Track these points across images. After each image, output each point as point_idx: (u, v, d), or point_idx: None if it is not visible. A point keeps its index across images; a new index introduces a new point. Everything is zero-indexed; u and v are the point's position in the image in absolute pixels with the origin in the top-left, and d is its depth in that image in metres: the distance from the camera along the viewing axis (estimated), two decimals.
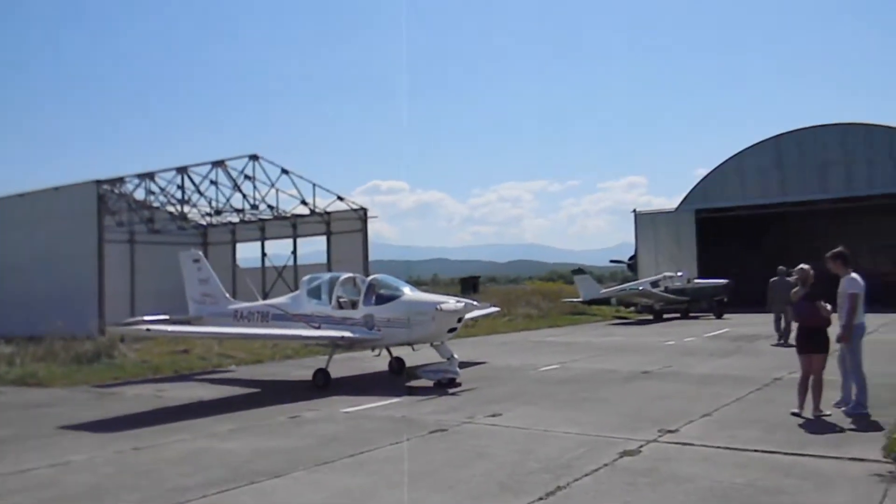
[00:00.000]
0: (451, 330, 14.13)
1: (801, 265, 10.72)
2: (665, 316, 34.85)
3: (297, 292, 16.20)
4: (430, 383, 13.84)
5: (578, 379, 14.60)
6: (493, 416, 10.63)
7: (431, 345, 14.36)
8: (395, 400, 12.34)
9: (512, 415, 10.71)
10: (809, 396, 10.17)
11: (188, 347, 20.30)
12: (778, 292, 20.59)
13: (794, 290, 10.76)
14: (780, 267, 21.59)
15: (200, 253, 18.52)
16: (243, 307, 16.79)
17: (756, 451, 8.15)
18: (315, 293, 15.40)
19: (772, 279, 21.61)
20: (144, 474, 7.79)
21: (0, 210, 30.44)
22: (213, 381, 15.91)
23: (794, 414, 10.16)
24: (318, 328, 14.93)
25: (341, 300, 15.20)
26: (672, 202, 46.12)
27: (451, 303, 13.96)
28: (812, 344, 10.19)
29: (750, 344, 21.26)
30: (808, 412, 10.05)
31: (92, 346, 18.21)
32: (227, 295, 17.87)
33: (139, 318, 22.12)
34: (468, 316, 15.04)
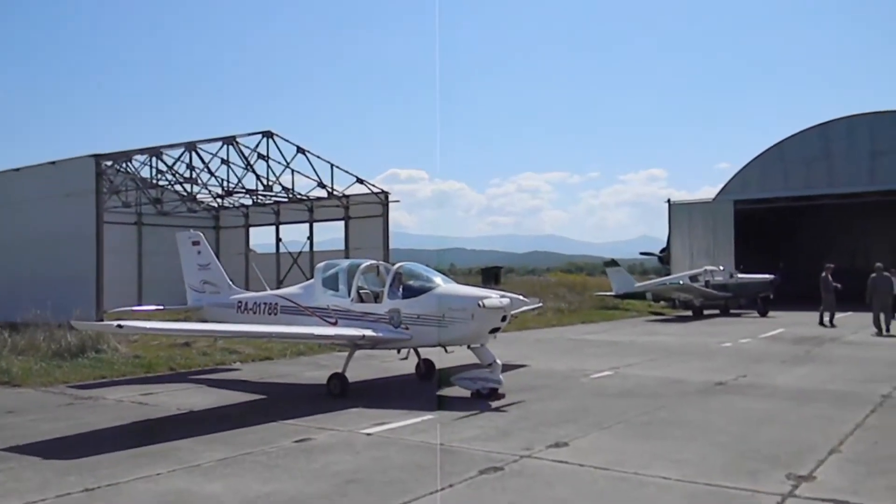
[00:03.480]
0: (494, 330, 11.77)
1: None
2: (704, 312, 32.43)
3: (310, 281, 13.88)
4: (466, 393, 11.54)
5: (644, 391, 12.22)
6: (558, 445, 8.28)
7: (469, 347, 12.02)
8: (427, 416, 10.01)
9: (582, 445, 8.35)
10: None
11: (190, 341, 18.07)
12: (878, 288, 22.96)
13: None
14: (878, 264, 23.79)
15: (200, 234, 16.23)
16: (248, 298, 14.50)
17: None
18: (331, 283, 13.08)
19: (871, 276, 23.36)
20: None
21: None
22: (212, 383, 13.67)
23: None
24: (334, 324, 12.62)
25: (362, 292, 12.88)
26: (693, 195, 43.59)
27: (494, 297, 11.58)
28: None
29: (819, 348, 18.84)
30: None
31: (76, 339, 15.98)
32: (231, 283, 15.58)
33: (127, 309, 20.09)
34: (514, 312, 12.66)
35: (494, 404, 10.91)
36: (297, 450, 8.24)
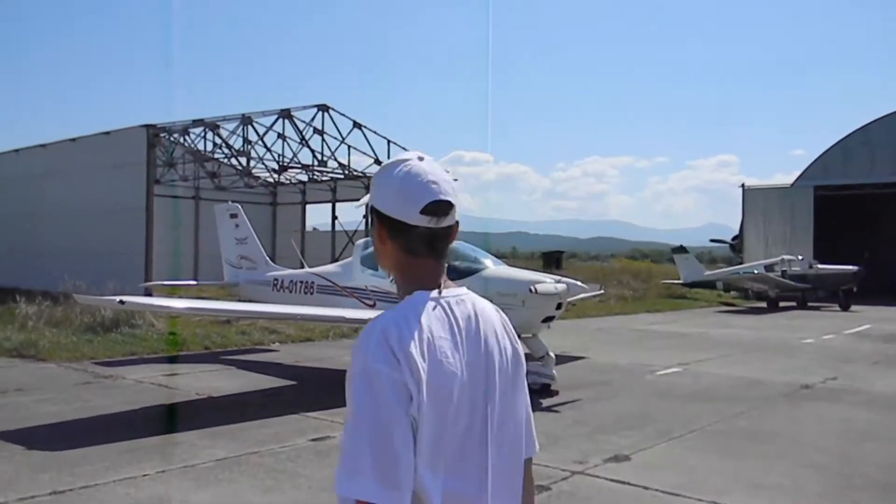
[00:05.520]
0: (548, 319, 10.44)
1: None
2: (780, 304, 30.33)
3: (348, 259, 12.77)
4: None
5: (718, 394, 10.73)
6: (617, 459, 6.96)
7: (520, 337, 10.71)
8: None
9: (647, 460, 7.01)
10: None
11: (231, 318, 17.21)
12: None
13: None
14: None
15: (238, 206, 15.28)
16: (284, 275, 13.49)
17: None
18: (370, 261, 11.91)
19: None
20: None
21: (50, 156, 28.17)
22: (243, 365, 12.72)
23: None
24: (373, 306, 11.49)
25: None
26: (766, 182, 41.10)
27: (548, 283, 10.22)
28: None
29: None
30: None
31: (112, 313, 15.26)
32: (268, 259, 14.61)
33: (160, 283, 19.39)
34: (570, 300, 11.29)
35: (546, 403, 9.62)
36: (311, 451, 7.12)
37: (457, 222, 1.78)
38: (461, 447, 1.66)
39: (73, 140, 27.52)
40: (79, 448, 6.96)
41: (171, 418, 8.52)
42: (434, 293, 1.70)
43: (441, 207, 1.70)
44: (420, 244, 1.72)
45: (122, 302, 8.52)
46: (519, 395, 1.82)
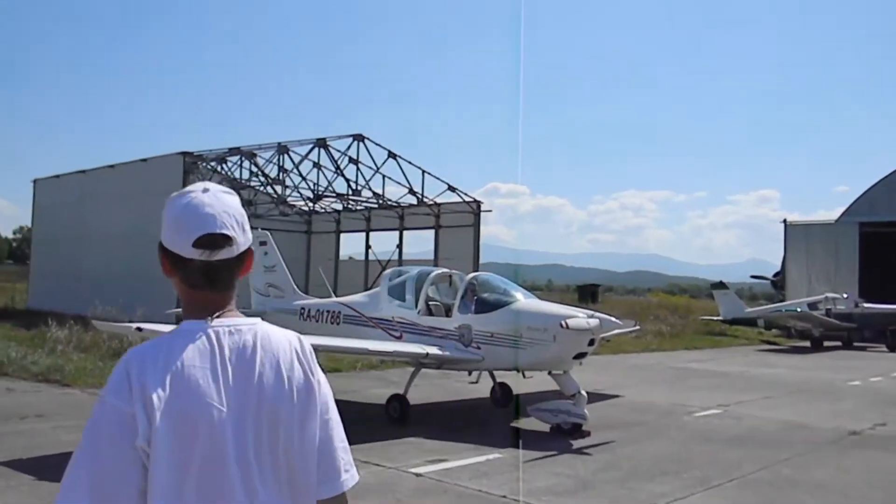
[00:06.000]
0: (580, 355, 10.01)
1: None
2: (824, 344, 29.32)
3: (376, 289, 12.51)
4: (545, 427, 9.85)
5: (761, 438, 10.16)
6: None
7: (550, 373, 10.31)
8: (494, 455, 8.38)
9: None
10: None
11: None
12: None
13: None
14: None
15: (267, 233, 15.11)
16: (311, 304, 13.25)
17: None
18: (398, 292, 11.63)
19: None
20: None
21: (90, 182, 28.56)
22: None
23: None
24: (399, 338, 11.17)
25: (432, 304, 11.38)
26: (808, 218, 40.14)
27: (580, 318, 9.81)
28: None
29: None
30: None
31: (137, 339, 15.13)
32: (296, 288, 14.41)
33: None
34: (603, 336, 10.85)
35: (576, 444, 9.17)
36: None
37: (247, 251, 1.76)
38: (221, 478, 1.60)
39: (112, 167, 27.91)
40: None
41: None
42: (203, 323, 1.68)
43: (215, 240, 1.68)
44: (197, 276, 1.71)
45: (139, 329, 8.33)
46: (308, 427, 1.76)
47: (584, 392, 9.94)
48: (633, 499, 6.79)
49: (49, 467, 7.21)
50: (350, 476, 1.85)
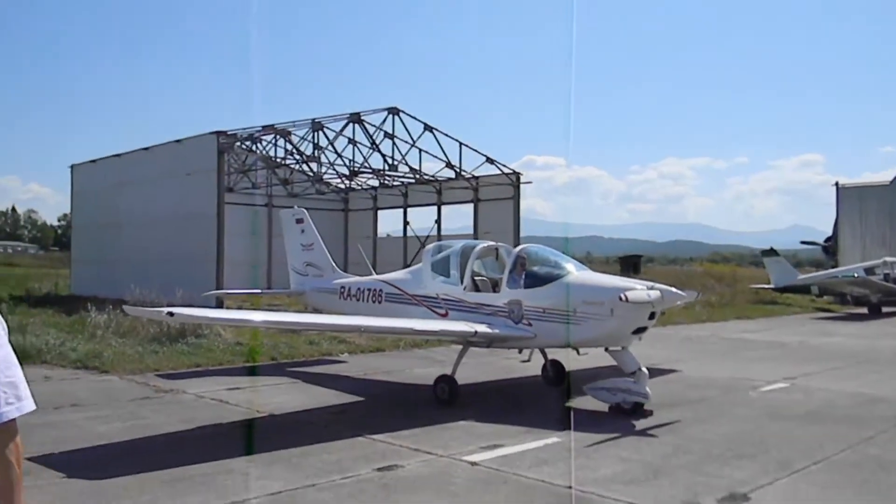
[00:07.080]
0: (640, 330, 9.37)
1: None
2: (883, 310, 28.15)
3: (418, 266, 11.93)
4: (603, 406, 9.24)
5: (836, 414, 9.42)
6: (734, 499, 5.86)
7: (607, 350, 9.67)
8: (552, 439, 7.79)
9: (769, 500, 5.90)
10: None
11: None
12: None
13: None
14: None
15: (304, 211, 14.61)
16: (351, 283, 12.74)
17: None
18: (442, 268, 11.04)
19: None
20: None
21: (126, 165, 28.40)
22: (309, 378, 12.01)
23: None
24: (444, 316, 10.61)
25: (478, 279, 10.79)
26: (856, 181, 38.53)
27: (640, 290, 9.13)
28: None
29: None
30: None
31: (178, 323, 14.80)
32: (335, 266, 13.91)
33: (225, 292, 18.86)
34: (662, 308, 10.14)
35: (640, 425, 8.54)
36: (376, 484, 6.25)
37: None
38: None
39: (147, 149, 27.67)
40: (121, 477, 6.29)
41: (225, 440, 7.81)
42: None
43: None
44: None
45: (171, 314, 7.88)
46: None
47: (644, 369, 9.28)
48: (712, 486, 6.16)
49: (81, 463, 6.85)
50: (14, 409, 1.96)
